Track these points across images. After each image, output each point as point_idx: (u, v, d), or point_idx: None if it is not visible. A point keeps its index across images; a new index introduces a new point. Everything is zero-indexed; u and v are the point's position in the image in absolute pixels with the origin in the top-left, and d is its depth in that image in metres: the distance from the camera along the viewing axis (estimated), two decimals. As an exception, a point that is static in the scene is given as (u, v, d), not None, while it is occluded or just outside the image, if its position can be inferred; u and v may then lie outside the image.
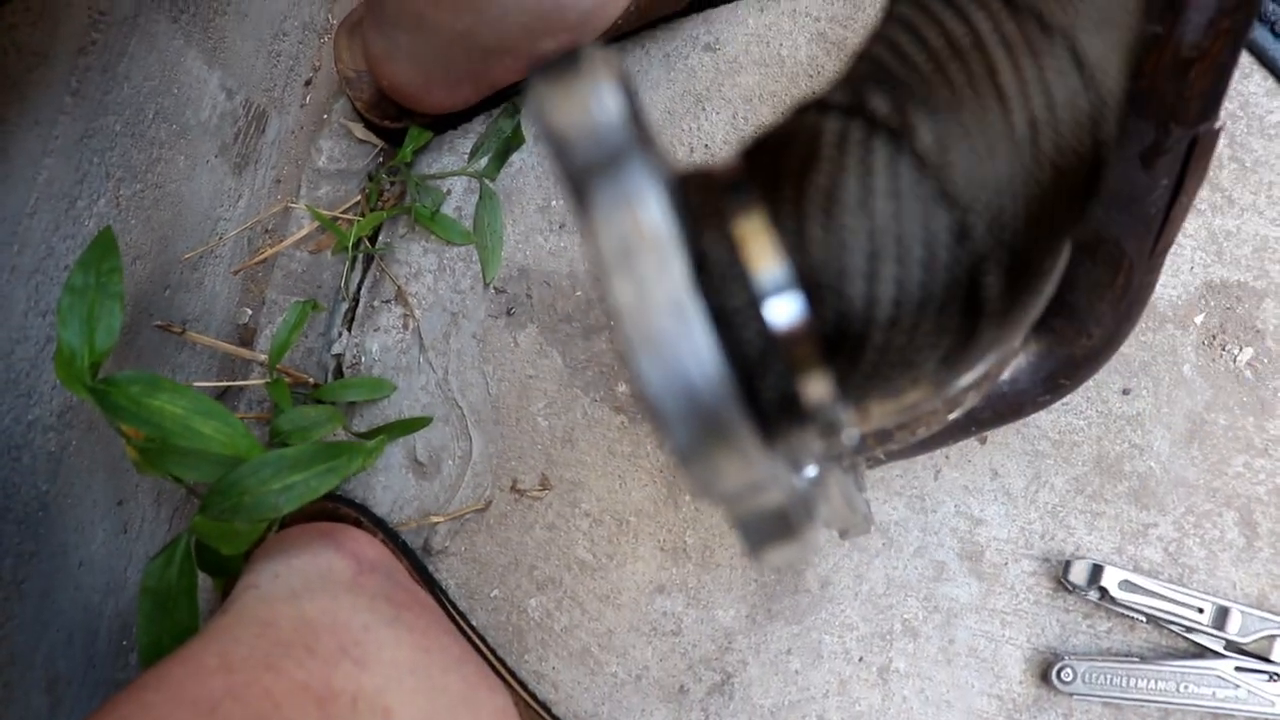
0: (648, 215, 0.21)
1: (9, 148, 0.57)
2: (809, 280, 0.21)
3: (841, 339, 0.22)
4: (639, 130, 0.21)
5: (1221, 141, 0.60)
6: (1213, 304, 0.57)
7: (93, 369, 0.52)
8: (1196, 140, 0.44)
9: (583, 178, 0.21)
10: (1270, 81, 0.59)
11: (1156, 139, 0.44)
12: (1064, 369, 0.51)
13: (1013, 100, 0.23)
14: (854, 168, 0.22)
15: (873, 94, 0.23)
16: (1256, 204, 0.58)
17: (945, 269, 0.22)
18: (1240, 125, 0.59)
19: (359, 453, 0.53)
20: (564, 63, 0.21)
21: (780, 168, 0.23)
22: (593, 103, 0.21)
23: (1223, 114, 0.44)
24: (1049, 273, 0.26)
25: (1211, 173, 0.59)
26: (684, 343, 0.19)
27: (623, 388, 0.63)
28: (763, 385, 0.21)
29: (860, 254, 0.22)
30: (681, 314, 0.20)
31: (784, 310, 0.21)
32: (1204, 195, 0.59)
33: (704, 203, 0.22)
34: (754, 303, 0.21)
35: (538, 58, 0.22)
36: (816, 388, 0.22)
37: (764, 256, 0.22)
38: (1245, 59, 0.60)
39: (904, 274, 0.22)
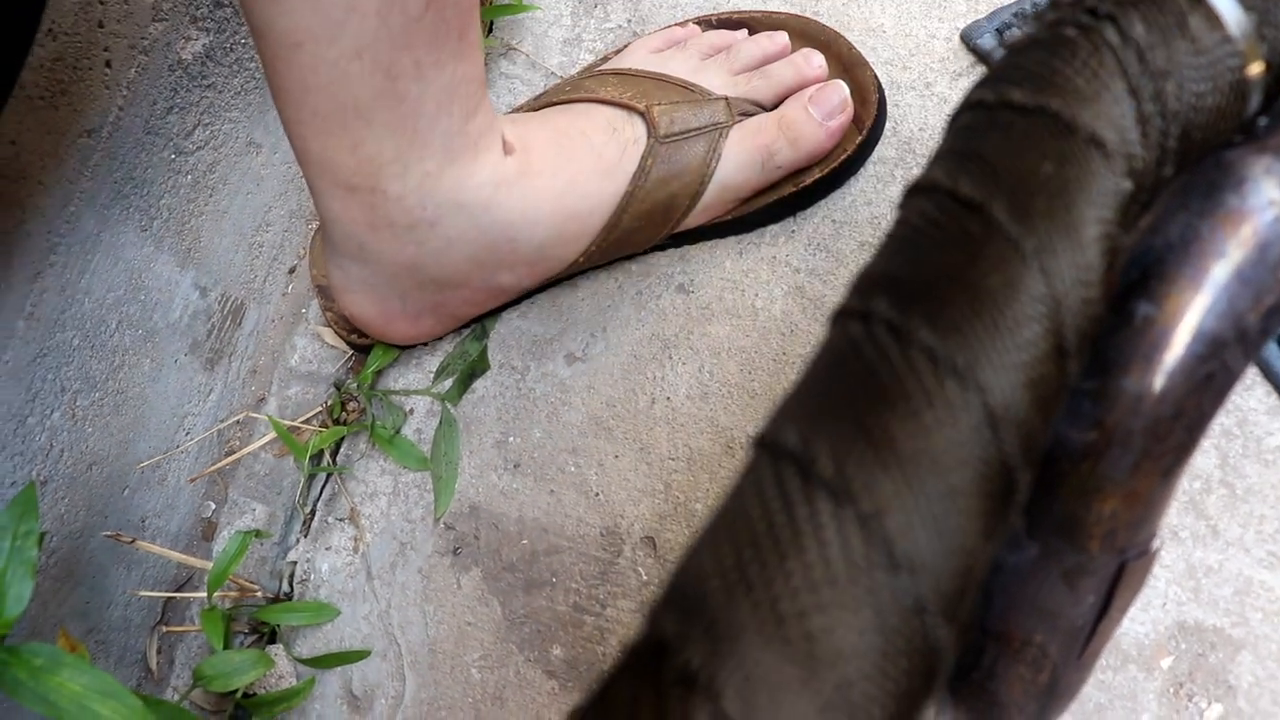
0: None
1: (-47, 379, 0.57)
2: None
3: None
4: None
5: (1212, 460, 0.55)
6: (1184, 648, 0.52)
7: (-2, 638, 0.52)
8: (1125, 565, 0.40)
9: None
10: (1273, 398, 0.54)
11: (1079, 562, 0.40)
12: (986, 750, 0.47)
13: None
14: None
15: None
16: (1244, 539, 0.53)
17: None
18: (1235, 445, 0.54)
19: (258, 738, 0.52)
20: None
21: None
22: None
23: (1162, 533, 0.40)
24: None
25: (1198, 497, 0.54)
26: None
27: (557, 651, 0.61)
28: None
29: None
30: None
31: None
32: (1187, 523, 0.54)
33: None
34: None
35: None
36: None
37: None
38: (1249, 370, 0.55)
39: None
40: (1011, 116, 0.29)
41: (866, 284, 0.27)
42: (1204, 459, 0.54)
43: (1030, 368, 0.27)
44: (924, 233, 0.28)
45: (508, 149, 0.59)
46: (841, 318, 0.27)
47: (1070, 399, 0.33)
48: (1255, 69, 0.30)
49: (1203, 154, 0.32)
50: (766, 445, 0.25)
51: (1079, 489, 0.38)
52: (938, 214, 0.28)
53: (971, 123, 0.29)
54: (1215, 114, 0.31)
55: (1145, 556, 0.41)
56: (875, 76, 0.64)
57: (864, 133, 0.63)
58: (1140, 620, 0.53)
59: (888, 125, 0.65)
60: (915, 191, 0.28)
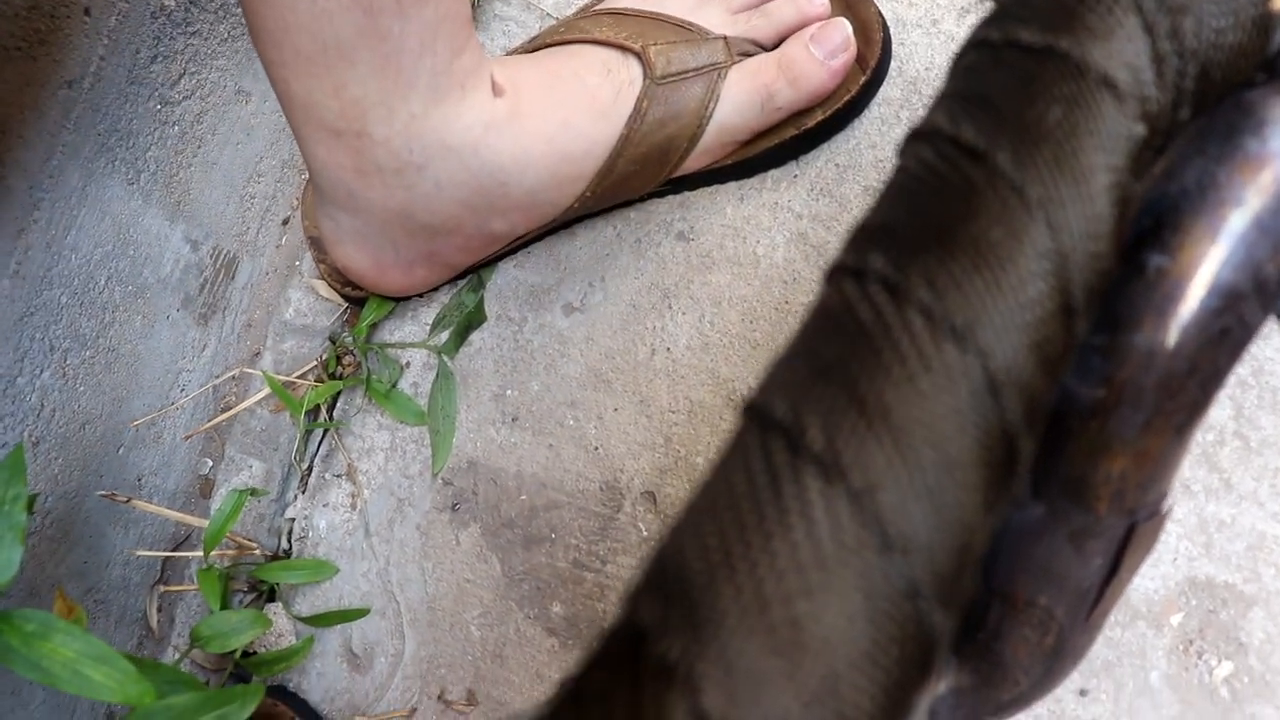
0: None
1: (-62, 341, 0.56)
2: None
3: None
4: None
5: (1226, 411, 0.53)
6: (1194, 604, 0.51)
7: (-13, 602, 0.51)
8: (1134, 527, 0.39)
9: None
10: (1290, 345, 0.53)
11: (1086, 523, 0.39)
12: (989, 709, 0.46)
13: None
14: None
15: None
16: (1257, 493, 0.51)
17: None
18: (1250, 396, 0.53)
19: (251, 696, 0.52)
20: None
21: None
22: None
23: (1174, 491, 0.39)
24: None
25: (1211, 450, 0.53)
26: None
27: (557, 608, 0.60)
28: None
29: None
30: None
31: None
32: (1199, 476, 0.52)
33: None
34: None
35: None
36: None
37: None
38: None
39: None
40: (1018, 56, 0.27)
41: (862, 238, 0.26)
42: (1218, 410, 0.53)
43: (1035, 328, 0.25)
44: (924, 182, 0.26)
45: (498, 90, 0.57)
46: (836, 274, 0.25)
47: (1078, 354, 0.32)
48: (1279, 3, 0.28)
49: (1222, 95, 0.30)
50: (755, 414, 0.23)
51: (1087, 448, 0.36)
52: (938, 162, 0.26)
53: (976, 63, 0.28)
54: (1236, 52, 0.29)
55: (1155, 518, 0.39)
56: (879, 13, 0.61)
57: (868, 72, 0.60)
58: (1150, 576, 0.52)
59: (893, 64, 0.62)
60: (915, 137, 0.26)
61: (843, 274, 0.25)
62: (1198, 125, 0.32)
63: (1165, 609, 0.51)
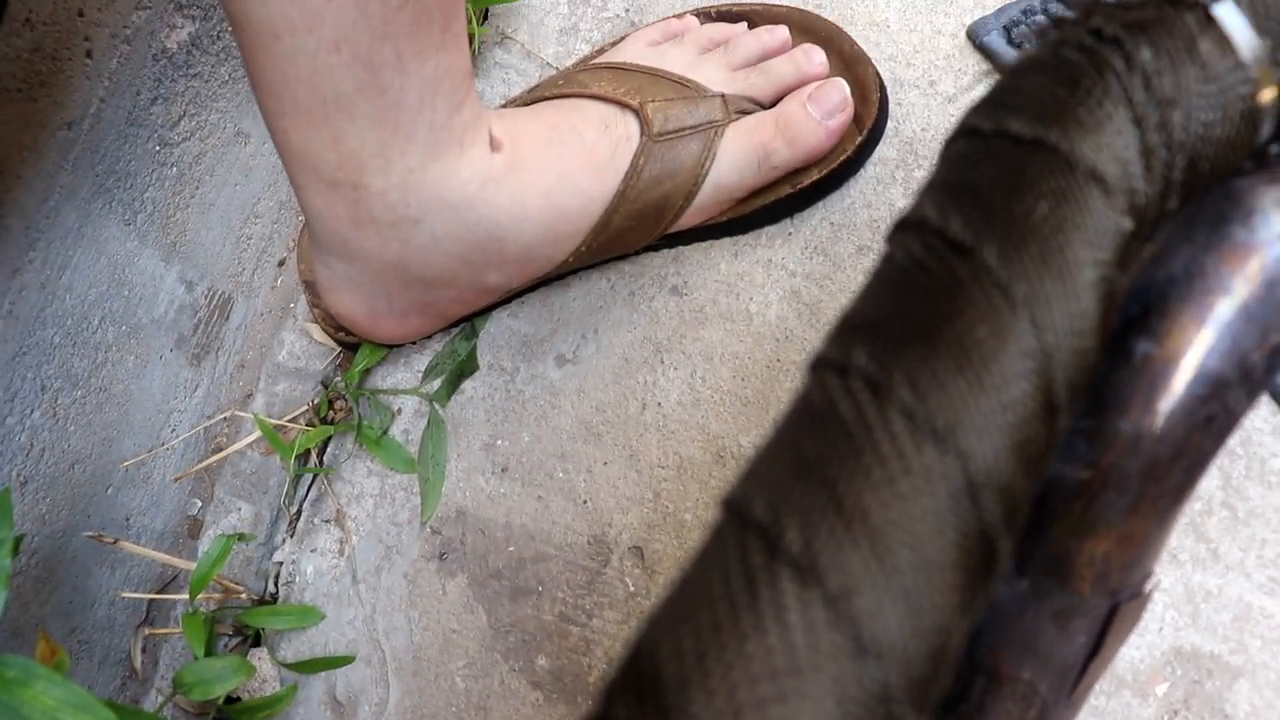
0: None
1: (-71, 381, 0.56)
2: None
3: None
4: None
5: (1214, 481, 0.53)
6: (1180, 674, 0.51)
7: (-31, 649, 0.51)
8: (1118, 607, 0.39)
9: None
10: (1279, 418, 0.53)
11: (1070, 603, 0.39)
12: (973, 783, 0.46)
13: None
14: None
15: None
16: (1244, 563, 0.51)
17: None
18: (1239, 466, 0.53)
19: (234, 751, 0.51)
20: None
21: None
22: None
23: (1158, 568, 0.39)
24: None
25: (1199, 519, 0.53)
26: None
27: (542, 661, 0.60)
28: None
29: None
30: None
31: None
32: (1187, 545, 0.52)
33: None
34: None
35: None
36: None
37: None
38: (1253, 387, 0.53)
39: None
40: (1008, 148, 0.27)
41: (847, 331, 0.26)
42: (1206, 480, 0.53)
43: (1016, 429, 0.25)
44: (910, 275, 0.26)
45: (495, 144, 0.57)
46: (819, 367, 0.25)
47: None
48: (1268, 96, 0.29)
49: (1210, 185, 0.30)
50: (734, 511, 0.23)
51: (1070, 529, 0.36)
52: (926, 255, 0.26)
53: (966, 152, 0.28)
54: (1224, 144, 0.29)
55: (1139, 598, 0.39)
56: (877, 74, 0.62)
57: (864, 133, 0.61)
58: (1136, 645, 0.52)
59: (889, 125, 0.63)
60: (904, 227, 0.27)
61: (826, 368, 0.25)
62: (1186, 213, 0.32)
63: (1151, 678, 0.51)
